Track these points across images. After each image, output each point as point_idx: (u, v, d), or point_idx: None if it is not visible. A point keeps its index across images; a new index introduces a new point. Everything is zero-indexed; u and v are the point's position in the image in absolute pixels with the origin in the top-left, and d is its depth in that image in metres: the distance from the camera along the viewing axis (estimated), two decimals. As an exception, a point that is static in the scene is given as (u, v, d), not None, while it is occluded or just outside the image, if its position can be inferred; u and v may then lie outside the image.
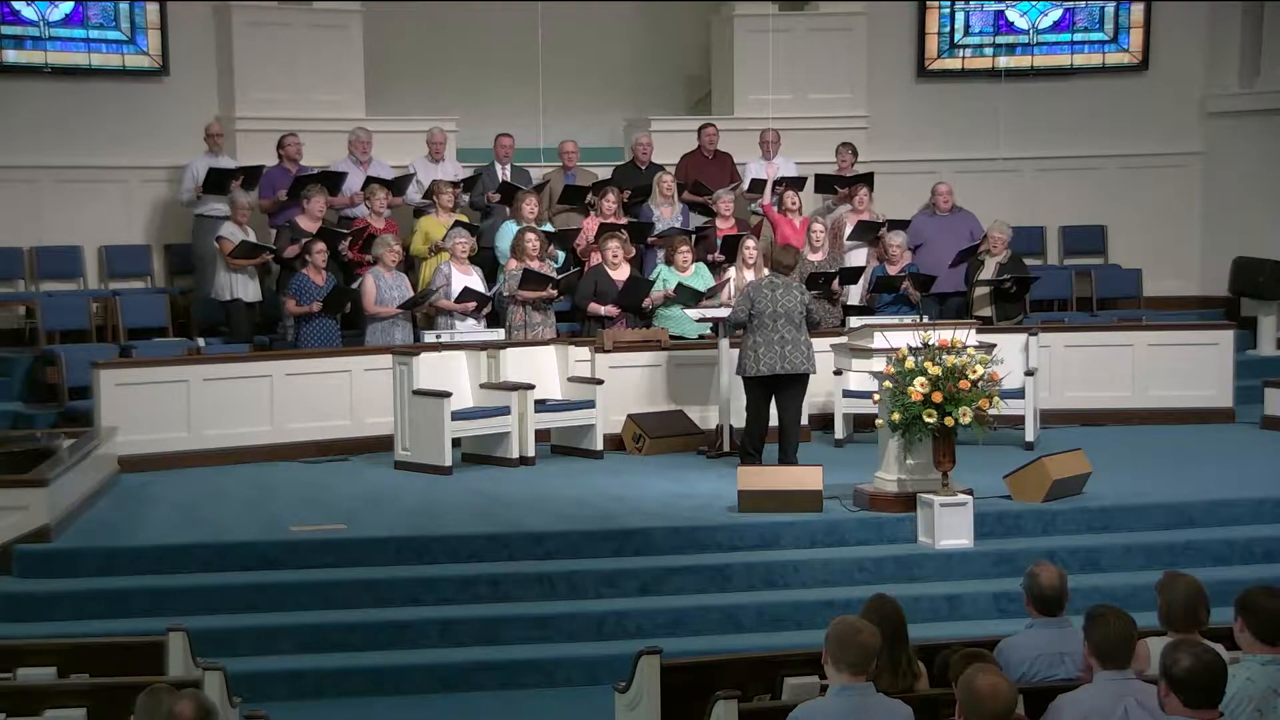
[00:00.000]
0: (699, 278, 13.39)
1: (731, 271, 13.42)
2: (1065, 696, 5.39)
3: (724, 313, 12.21)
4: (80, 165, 14.63)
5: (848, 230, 14.55)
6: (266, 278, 14.05)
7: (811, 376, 11.50)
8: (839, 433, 12.67)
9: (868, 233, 14.45)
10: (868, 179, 14.96)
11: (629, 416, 12.65)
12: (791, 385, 11.30)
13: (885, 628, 5.79)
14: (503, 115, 15.37)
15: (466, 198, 14.65)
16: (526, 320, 13.13)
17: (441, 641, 8.90)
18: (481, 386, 12.13)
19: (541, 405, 12.16)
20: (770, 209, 14.82)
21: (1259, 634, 5.36)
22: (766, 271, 11.96)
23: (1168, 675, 4.82)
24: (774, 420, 11.47)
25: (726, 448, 12.13)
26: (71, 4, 14.80)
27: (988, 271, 14.11)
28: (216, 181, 13.91)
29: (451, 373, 12.06)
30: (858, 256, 14.52)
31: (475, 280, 13.33)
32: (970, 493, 9.84)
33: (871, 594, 6.43)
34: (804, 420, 12.70)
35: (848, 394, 12.51)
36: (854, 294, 14.23)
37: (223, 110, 15.00)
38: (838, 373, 12.37)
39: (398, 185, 14.30)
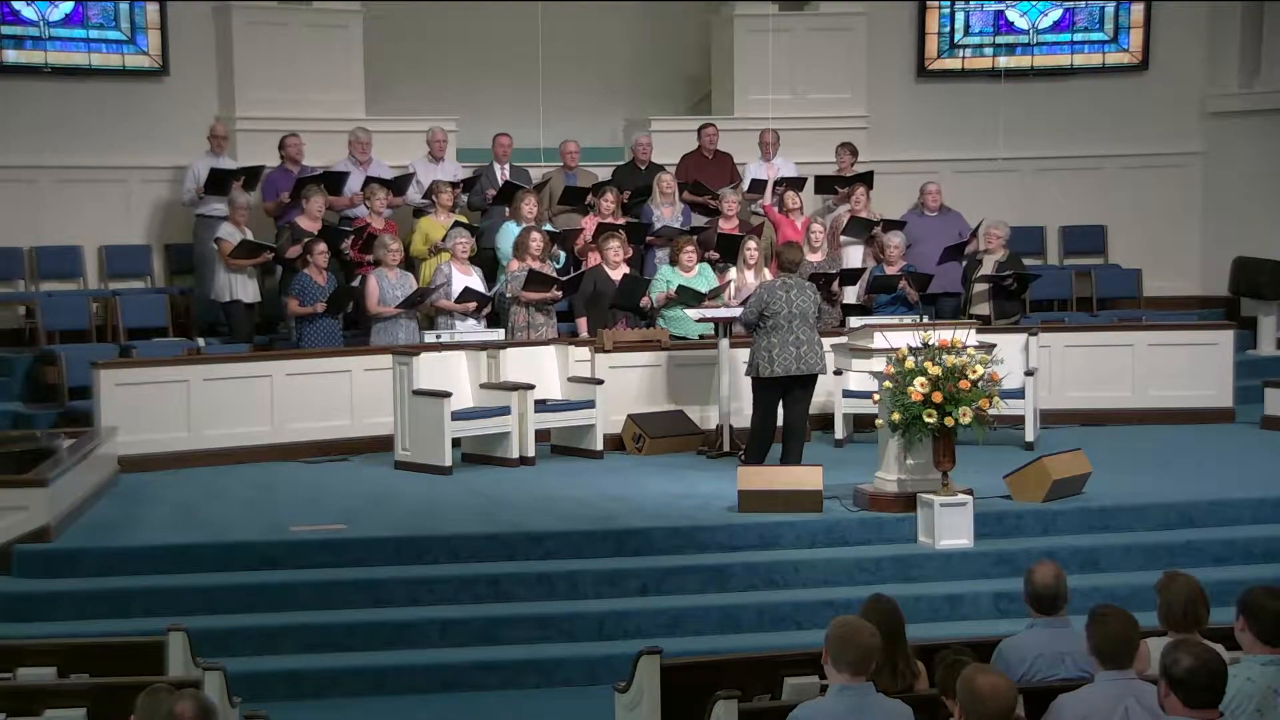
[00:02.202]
0: (702, 278, 13.38)
1: (733, 272, 13.41)
2: (1065, 696, 5.39)
3: (726, 312, 12.20)
4: (80, 165, 14.63)
5: (843, 227, 14.57)
6: (266, 278, 14.06)
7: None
8: (839, 433, 12.67)
9: (863, 231, 14.45)
10: (867, 178, 14.96)
11: (629, 416, 12.65)
12: (802, 386, 11.27)
13: (883, 628, 5.79)
14: (503, 115, 15.37)
15: (466, 197, 14.66)
16: (530, 321, 13.13)
17: (441, 641, 8.89)
18: (481, 386, 12.13)
19: (541, 405, 12.15)
20: (771, 210, 14.83)
21: (1260, 634, 5.37)
22: (766, 273, 11.93)
23: (1168, 675, 4.82)
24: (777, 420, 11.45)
25: (726, 448, 12.12)
26: (71, 4, 14.80)
27: (986, 270, 14.13)
28: (218, 182, 13.91)
29: (451, 373, 12.06)
30: (854, 254, 14.52)
31: (475, 280, 13.33)
32: (970, 493, 9.83)
33: (871, 594, 6.43)
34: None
35: (848, 394, 12.51)
36: (850, 294, 14.20)
37: (223, 110, 15.00)
38: (838, 373, 12.35)
39: (398, 185, 14.30)
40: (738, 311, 11.75)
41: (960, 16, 17.06)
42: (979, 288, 14.13)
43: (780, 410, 11.30)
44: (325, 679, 8.54)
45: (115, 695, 6.05)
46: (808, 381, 11.27)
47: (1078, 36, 17.12)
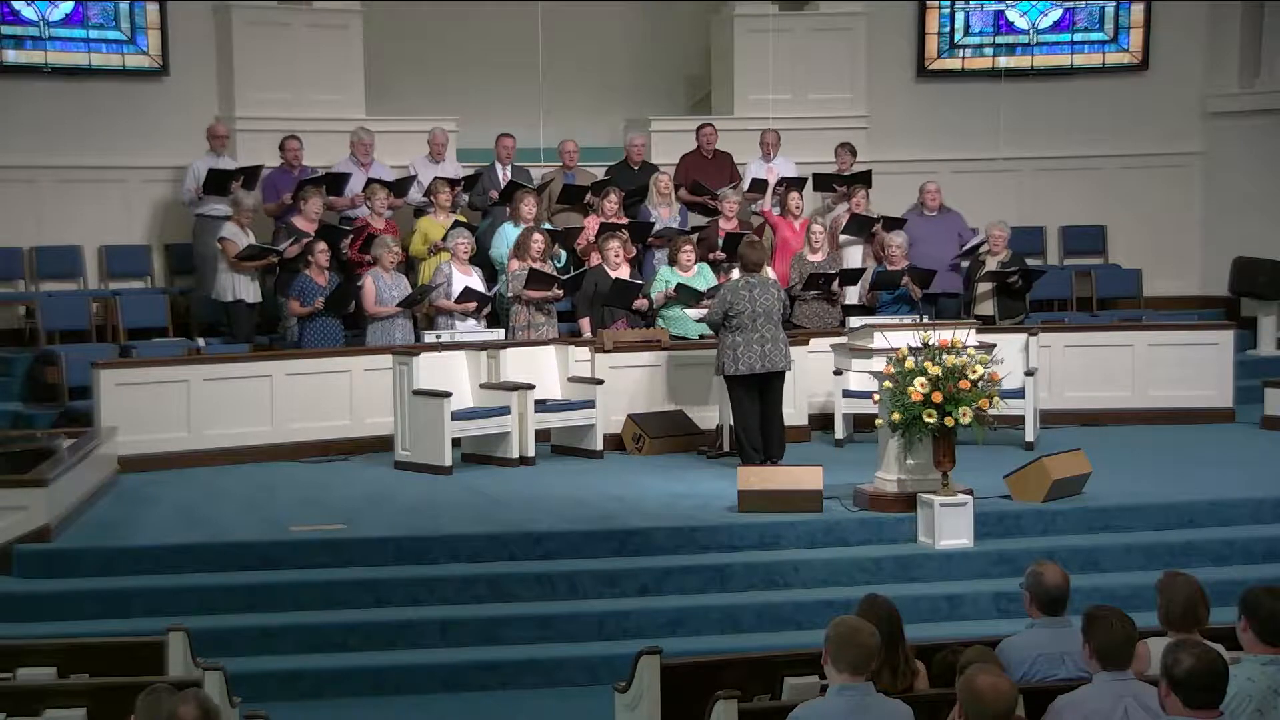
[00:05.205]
0: (701, 278, 13.39)
1: (735, 272, 13.39)
2: (1065, 697, 5.39)
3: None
4: (80, 165, 14.63)
5: (843, 227, 14.58)
6: (267, 278, 14.05)
7: (800, 375, 11.46)
8: (839, 433, 12.65)
9: (863, 229, 14.45)
10: (865, 178, 14.96)
11: (629, 416, 12.65)
12: (773, 383, 11.31)
13: (881, 628, 5.79)
14: (503, 115, 15.37)
15: (466, 197, 14.67)
16: (530, 321, 13.13)
17: (441, 641, 8.89)
18: (481, 386, 12.13)
19: (541, 405, 12.15)
20: (769, 213, 14.82)
21: (1261, 634, 5.36)
22: (735, 272, 11.93)
23: (1169, 675, 4.82)
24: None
25: (726, 448, 12.12)
26: (71, 4, 14.80)
27: (990, 269, 14.13)
28: (217, 182, 13.90)
29: (451, 373, 12.06)
30: (853, 254, 14.51)
31: (475, 280, 13.33)
32: (970, 493, 9.83)
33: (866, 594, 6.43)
34: (804, 420, 12.78)
35: (848, 394, 12.49)
36: (852, 294, 14.19)
37: (223, 110, 15.00)
38: (838, 373, 12.36)
39: (399, 187, 14.30)
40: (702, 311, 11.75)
41: (960, 16, 17.07)
42: (983, 286, 14.13)
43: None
44: (325, 679, 8.53)
45: (115, 695, 6.05)
46: (777, 379, 11.32)
47: (1078, 36, 17.12)
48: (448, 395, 11.64)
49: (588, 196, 14.57)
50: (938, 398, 9.43)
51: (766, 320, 11.18)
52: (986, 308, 14.08)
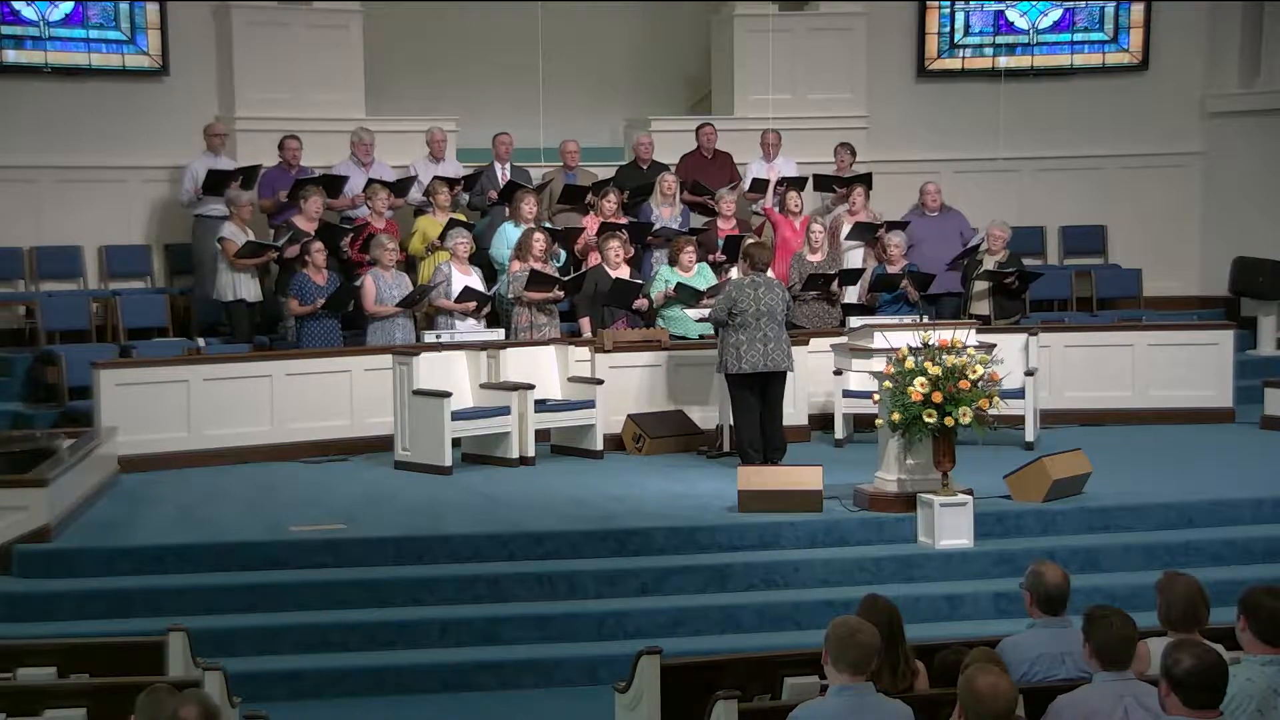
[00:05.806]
0: (701, 278, 13.39)
1: (734, 271, 13.41)
2: (1065, 697, 5.39)
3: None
4: (80, 165, 14.64)
5: (845, 230, 14.57)
6: (266, 278, 14.05)
7: (800, 375, 11.45)
8: (839, 433, 12.65)
9: (866, 233, 14.45)
10: (865, 179, 14.97)
11: (629, 416, 12.65)
12: (774, 383, 11.33)
13: (880, 628, 5.78)
14: (503, 115, 15.37)
15: (466, 196, 14.66)
16: (533, 321, 13.13)
17: (441, 641, 8.89)
18: (481, 386, 12.13)
19: (541, 405, 12.15)
20: (771, 211, 14.82)
21: (1260, 634, 5.36)
22: (735, 272, 11.94)
23: (1169, 675, 4.82)
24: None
25: (726, 448, 12.12)
26: (71, 4, 14.80)
27: (987, 268, 14.13)
28: (215, 183, 13.90)
29: (451, 373, 12.06)
30: (855, 257, 14.52)
31: (475, 280, 13.33)
32: (970, 493, 9.83)
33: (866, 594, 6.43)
34: (804, 420, 12.78)
35: (848, 394, 12.50)
36: (852, 294, 14.20)
37: (223, 110, 15.01)
38: (838, 373, 12.36)
39: (400, 187, 14.29)
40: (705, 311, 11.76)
41: (960, 16, 17.07)
42: (979, 285, 14.13)
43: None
44: (325, 679, 8.54)
45: (115, 695, 6.06)
46: (779, 379, 11.35)
47: (1078, 36, 17.12)
48: (448, 395, 11.63)
49: (589, 197, 14.56)
50: (938, 398, 9.43)
51: (770, 320, 11.20)
52: (982, 307, 14.09)
